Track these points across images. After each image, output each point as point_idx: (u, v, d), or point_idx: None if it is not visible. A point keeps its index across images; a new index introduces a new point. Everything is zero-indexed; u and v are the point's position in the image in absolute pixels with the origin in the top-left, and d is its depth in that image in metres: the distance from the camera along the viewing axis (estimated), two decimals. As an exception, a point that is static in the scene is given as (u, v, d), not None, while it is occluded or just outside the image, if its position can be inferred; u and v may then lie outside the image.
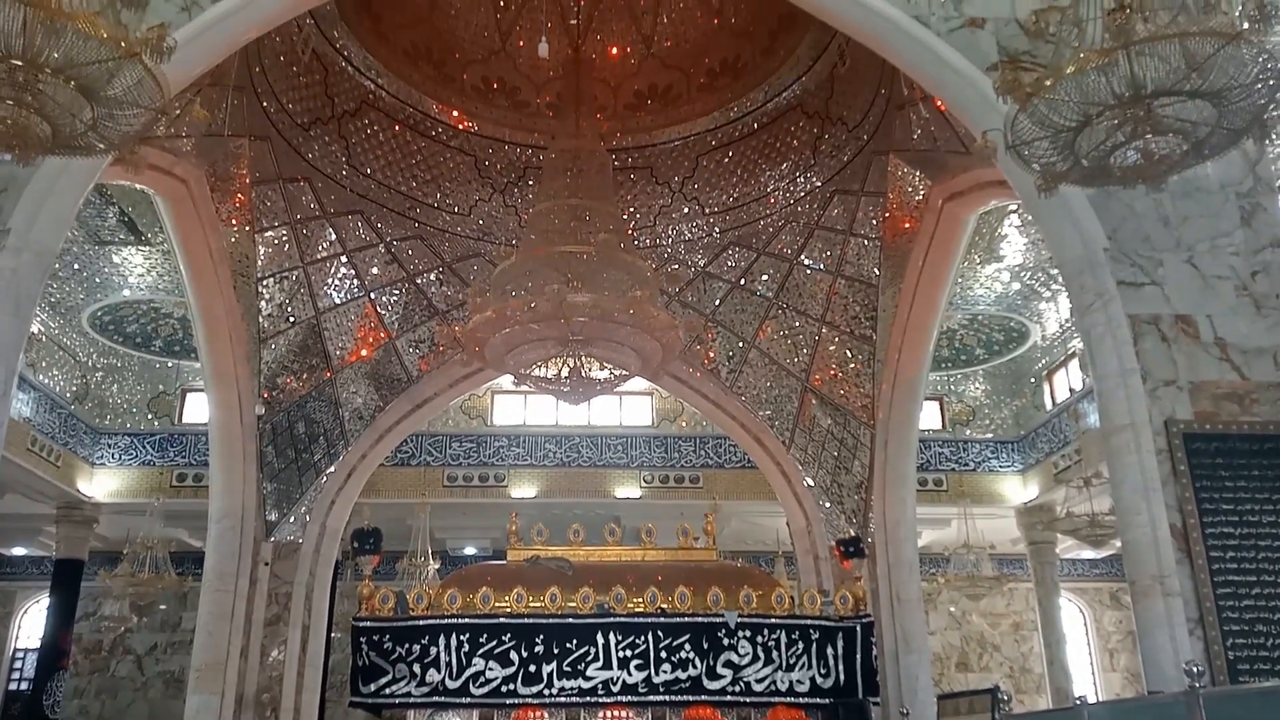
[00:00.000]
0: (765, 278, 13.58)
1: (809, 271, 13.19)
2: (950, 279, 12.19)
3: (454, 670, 8.48)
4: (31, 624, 19.54)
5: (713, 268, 13.75)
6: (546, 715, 8.71)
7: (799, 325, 13.57)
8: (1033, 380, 18.49)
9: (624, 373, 10.15)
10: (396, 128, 12.22)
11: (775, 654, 8.72)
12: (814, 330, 13.39)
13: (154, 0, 6.26)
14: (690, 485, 17.84)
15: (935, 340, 12.98)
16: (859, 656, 8.85)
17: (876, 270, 12.30)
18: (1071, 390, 16.89)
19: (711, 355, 14.46)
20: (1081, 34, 4.59)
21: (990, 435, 18.60)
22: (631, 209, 13.14)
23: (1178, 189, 6.13)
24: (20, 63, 4.08)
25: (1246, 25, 4.07)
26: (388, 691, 8.50)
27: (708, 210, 13.29)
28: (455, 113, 12.35)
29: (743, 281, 13.70)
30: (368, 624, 8.73)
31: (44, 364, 16.07)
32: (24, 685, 18.86)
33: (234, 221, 11.74)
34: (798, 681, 8.69)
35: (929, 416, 17.83)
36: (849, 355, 13.22)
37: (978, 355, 18.16)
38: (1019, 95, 4.41)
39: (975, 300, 15.86)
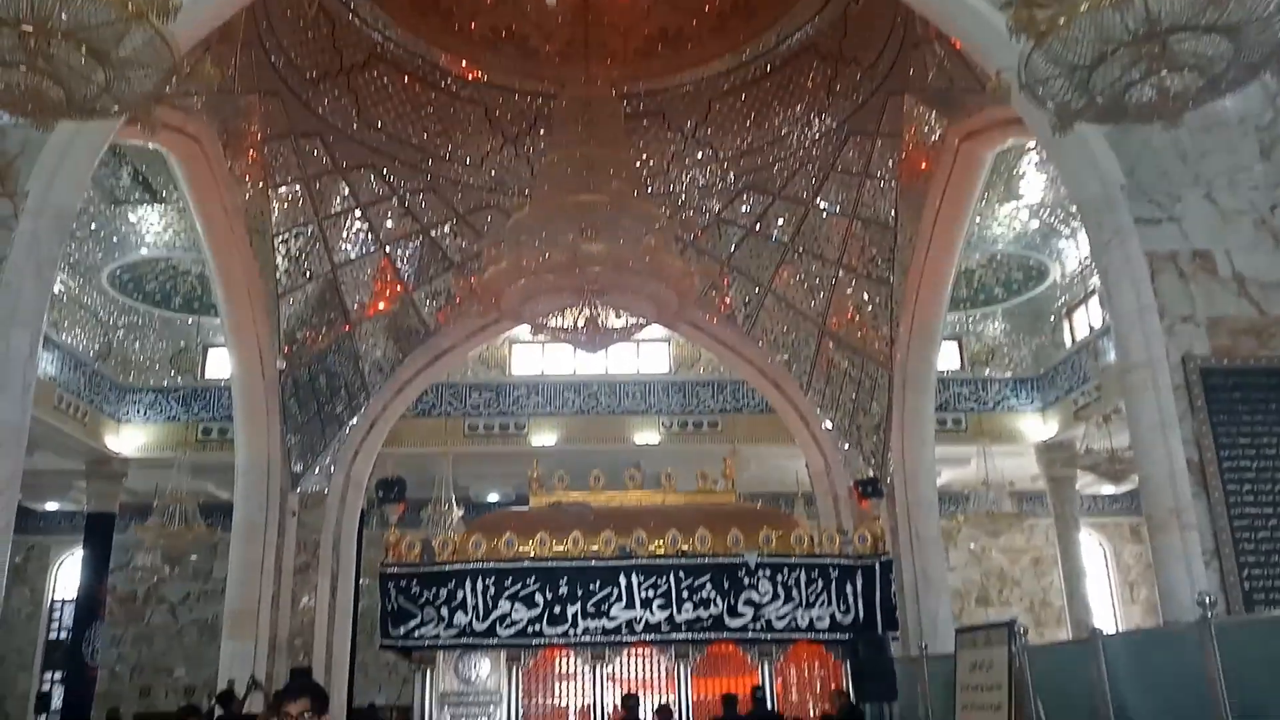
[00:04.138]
0: (780, 222, 13.52)
1: (825, 215, 13.11)
2: (968, 219, 12.10)
3: (480, 613, 8.68)
4: (67, 576, 19.99)
5: (727, 213, 13.68)
6: (572, 654, 8.94)
7: (815, 269, 13.53)
8: (1052, 318, 18.37)
9: (640, 320, 10.19)
10: (405, 79, 12.14)
11: (795, 592, 8.89)
12: (830, 274, 13.35)
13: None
14: (709, 430, 17.92)
15: (954, 280, 12.92)
16: (878, 593, 9.01)
17: (893, 212, 12.22)
18: (1091, 328, 16.78)
19: (728, 301, 14.45)
20: (1097, -32, 4.49)
21: (1009, 374, 18.54)
22: (644, 155, 13.03)
23: (1196, 124, 6.05)
24: (30, 27, 4.09)
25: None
26: (416, 634, 8.75)
27: (721, 155, 13.18)
28: (464, 62, 12.26)
29: (758, 227, 13.64)
30: (395, 570, 8.95)
31: (66, 323, 16.23)
32: (63, 634, 19.40)
33: (248, 178, 11.76)
34: (818, 618, 8.87)
35: (948, 356, 17.77)
36: (866, 298, 13.19)
37: (997, 294, 18.04)
38: (1033, 33, 4.35)
39: (994, 239, 15.71)
